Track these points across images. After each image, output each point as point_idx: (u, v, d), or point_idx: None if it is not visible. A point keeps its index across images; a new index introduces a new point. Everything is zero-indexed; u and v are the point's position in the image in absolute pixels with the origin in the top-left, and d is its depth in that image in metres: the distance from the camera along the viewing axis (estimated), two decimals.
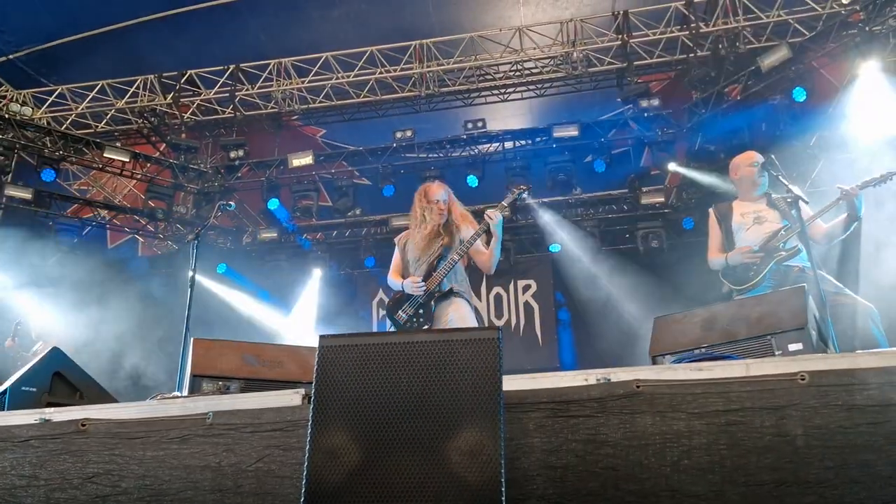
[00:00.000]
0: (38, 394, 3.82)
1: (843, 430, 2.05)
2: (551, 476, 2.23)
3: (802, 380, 2.15)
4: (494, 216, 4.49)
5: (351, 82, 10.79)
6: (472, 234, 4.59)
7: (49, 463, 2.72)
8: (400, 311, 4.63)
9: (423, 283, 4.55)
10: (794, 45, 8.67)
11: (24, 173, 10.08)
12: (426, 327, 4.50)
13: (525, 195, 4.97)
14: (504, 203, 4.72)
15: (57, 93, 11.14)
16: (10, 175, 9.77)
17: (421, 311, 4.56)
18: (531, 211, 10.89)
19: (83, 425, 2.77)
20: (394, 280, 4.81)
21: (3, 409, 3.51)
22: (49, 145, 10.12)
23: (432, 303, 4.57)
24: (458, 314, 4.53)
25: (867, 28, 8.03)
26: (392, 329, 4.70)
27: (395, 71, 10.65)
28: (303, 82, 10.91)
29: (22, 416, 2.94)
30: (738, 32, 9.67)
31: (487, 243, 4.69)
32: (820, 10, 9.26)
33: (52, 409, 2.98)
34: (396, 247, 5.00)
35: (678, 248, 9.87)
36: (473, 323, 4.65)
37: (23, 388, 3.76)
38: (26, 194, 9.72)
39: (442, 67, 10.54)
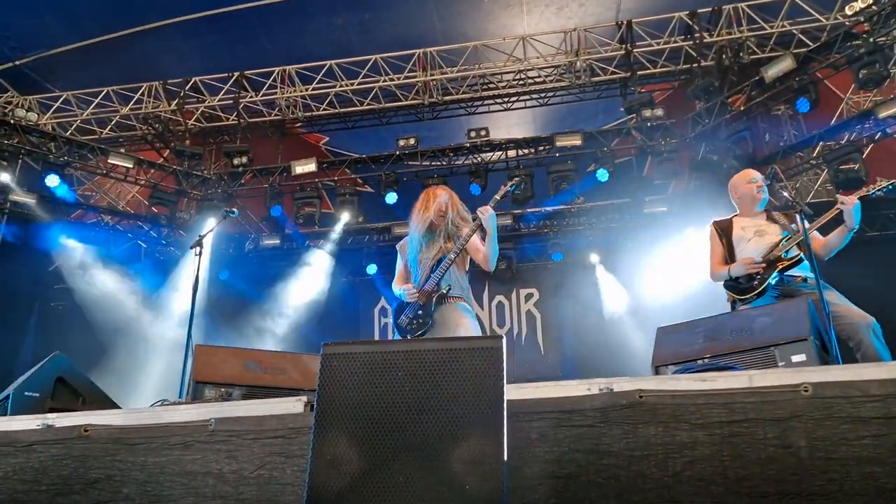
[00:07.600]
0: (41, 399, 3.83)
1: (846, 442, 2.04)
2: (554, 486, 2.22)
3: (806, 391, 2.14)
4: (486, 211, 4.50)
5: (354, 90, 10.84)
6: (467, 232, 4.60)
7: (51, 468, 2.72)
8: (402, 317, 4.66)
9: (416, 291, 4.58)
10: (798, 55, 8.68)
11: (28, 178, 10.11)
12: (427, 326, 4.50)
13: (515, 189, 4.92)
14: (496, 197, 4.73)
15: (62, 99, 11.20)
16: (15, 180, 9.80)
17: (420, 311, 4.58)
18: (533, 219, 10.90)
19: (85, 431, 2.77)
20: (396, 288, 4.83)
21: (6, 415, 3.51)
22: (54, 151, 10.15)
23: (432, 303, 4.57)
24: (465, 324, 4.52)
25: (871, 39, 8.05)
26: (396, 335, 4.72)
27: (398, 79, 10.69)
28: (306, 90, 10.95)
29: (24, 422, 2.94)
30: (742, 43, 9.70)
31: (483, 241, 4.70)
32: (824, 20, 9.28)
33: (55, 415, 2.98)
34: (399, 254, 5.00)
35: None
36: (478, 332, 4.64)
37: (25, 394, 3.76)
38: (30, 199, 9.76)
39: (445, 76, 10.58)
